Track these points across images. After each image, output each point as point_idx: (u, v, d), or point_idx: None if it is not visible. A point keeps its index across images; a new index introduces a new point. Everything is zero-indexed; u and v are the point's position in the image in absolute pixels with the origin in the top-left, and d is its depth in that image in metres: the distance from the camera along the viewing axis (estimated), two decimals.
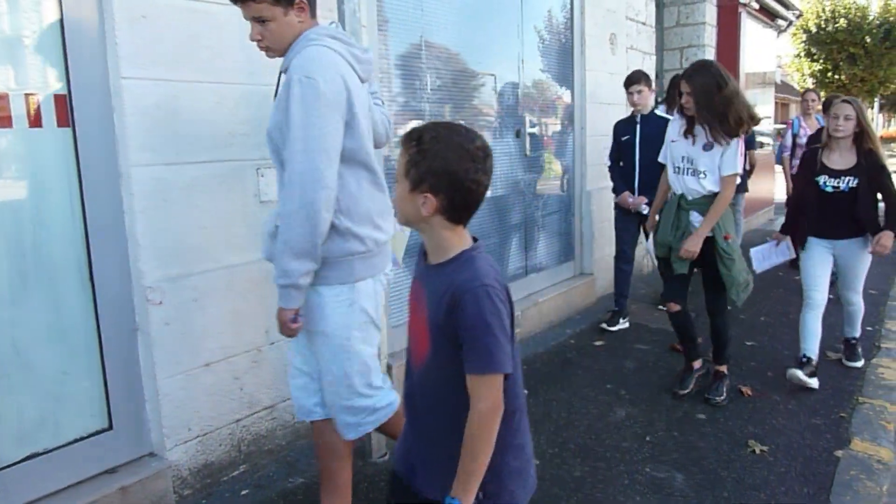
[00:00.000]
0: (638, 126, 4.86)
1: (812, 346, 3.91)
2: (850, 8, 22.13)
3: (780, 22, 11.90)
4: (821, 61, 23.20)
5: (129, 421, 2.69)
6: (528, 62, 5.06)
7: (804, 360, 3.88)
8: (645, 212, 4.78)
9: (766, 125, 11.12)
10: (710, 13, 8.55)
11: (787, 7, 11.57)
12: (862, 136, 3.79)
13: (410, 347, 1.66)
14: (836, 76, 22.96)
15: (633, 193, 4.92)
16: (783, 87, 24.02)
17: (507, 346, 1.48)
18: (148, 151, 2.58)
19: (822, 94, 11.12)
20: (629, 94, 4.81)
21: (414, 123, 4.05)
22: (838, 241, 3.92)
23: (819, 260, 3.98)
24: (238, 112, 2.89)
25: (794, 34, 22.85)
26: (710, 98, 3.40)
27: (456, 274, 1.50)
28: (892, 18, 21.82)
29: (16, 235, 2.37)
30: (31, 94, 2.36)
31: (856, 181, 3.78)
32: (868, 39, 21.73)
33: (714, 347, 3.87)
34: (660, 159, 3.95)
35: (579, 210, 5.77)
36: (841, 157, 3.85)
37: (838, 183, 3.82)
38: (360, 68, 2.20)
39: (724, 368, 3.86)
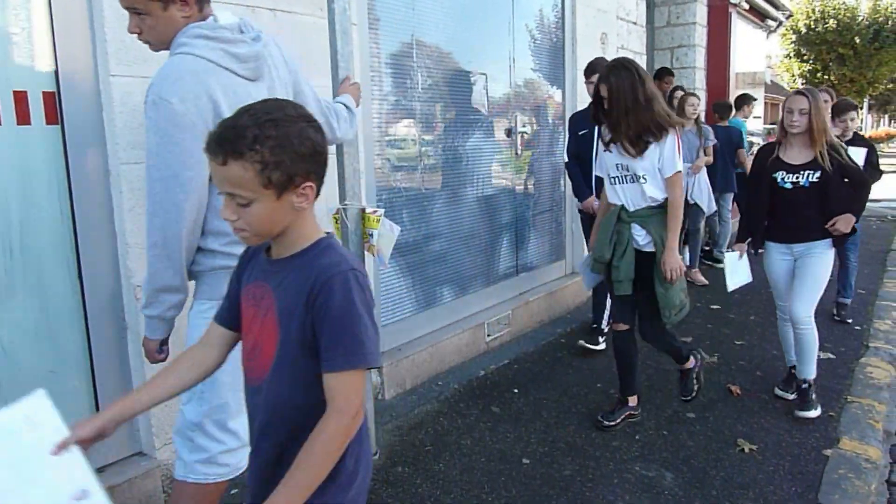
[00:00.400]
0: None
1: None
2: (839, 9, 22.26)
3: (770, 22, 11.96)
4: (810, 62, 23.33)
5: None
6: (520, 61, 5.06)
7: (793, 370, 3.77)
8: None
9: (757, 125, 11.17)
10: (701, 13, 8.58)
11: (777, 7, 11.63)
12: (813, 131, 3.43)
13: (249, 363, 1.45)
14: (826, 76, 23.09)
15: (591, 192, 4.54)
16: (773, 88, 24.09)
17: (376, 338, 1.34)
18: (137, 149, 2.56)
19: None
20: (588, 83, 4.44)
21: (406, 122, 4.05)
22: (796, 245, 3.59)
23: (779, 267, 3.70)
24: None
25: (784, 34, 22.97)
26: (632, 97, 3.11)
27: (317, 260, 1.35)
28: (880, 19, 21.96)
29: (3, 233, 2.35)
30: (20, 91, 2.34)
31: (817, 175, 3.44)
32: (857, 40, 21.86)
33: (672, 357, 3.64)
34: (596, 172, 3.64)
35: (570, 209, 5.78)
36: (800, 153, 3.51)
37: (797, 178, 3.49)
38: (244, 68, 1.92)
39: (688, 364, 3.68)
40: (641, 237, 3.25)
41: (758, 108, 10.67)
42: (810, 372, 3.59)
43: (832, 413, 3.58)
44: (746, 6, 10.12)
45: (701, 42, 8.65)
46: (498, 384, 4.05)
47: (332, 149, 3.04)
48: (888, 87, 31.15)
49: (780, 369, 4.18)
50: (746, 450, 3.21)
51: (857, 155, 4.48)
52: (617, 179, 3.30)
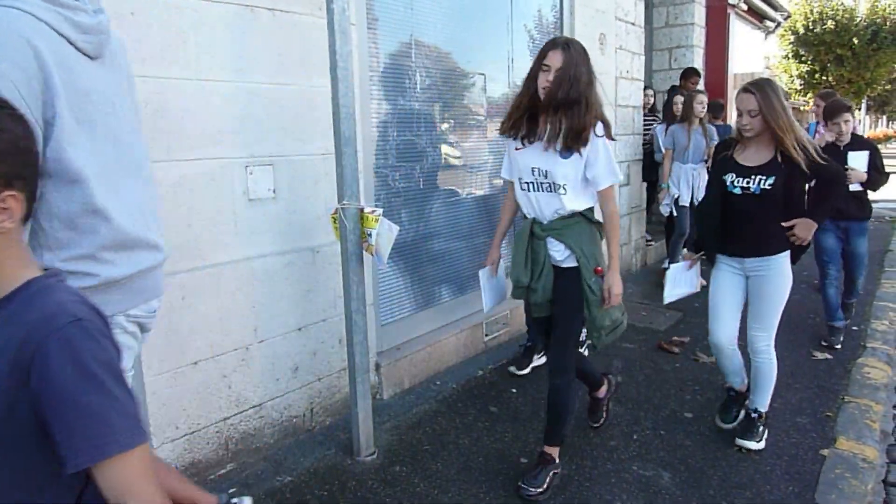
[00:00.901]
0: None
1: (737, 379, 3.44)
2: (837, 10, 22.25)
3: (769, 23, 11.99)
4: (808, 62, 23.32)
5: None
6: (518, 61, 5.06)
7: (732, 393, 3.47)
8: None
9: None
10: (699, 14, 8.60)
11: (776, 8, 11.66)
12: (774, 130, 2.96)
13: None
14: (824, 77, 23.09)
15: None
16: None
17: (130, 405, 1.02)
18: None
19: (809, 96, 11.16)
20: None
21: (404, 122, 4.05)
22: (748, 260, 3.16)
23: (724, 281, 3.28)
24: (226, 110, 2.88)
25: (782, 35, 22.95)
26: (573, 84, 2.60)
27: (26, 313, 1.00)
28: (879, 20, 21.96)
29: None
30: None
31: (770, 181, 3.00)
32: (855, 41, 21.85)
33: (547, 423, 2.98)
34: (503, 174, 3.06)
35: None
36: (756, 153, 3.07)
37: (748, 183, 3.05)
38: (85, 40, 1.57)
39: (600, 392, 3.30)
40: (559, 252, 2.80)
41: (722, 110, 10.68)
42: (763, 403, 3.26)
43: (829, 413, 3.59)
44: (745, 7, 10.14)
45: (699, 43, 8.67)
46: (496, 384, 4.05)
47: (330, 149, 3.05)
48: (886, 87, 31.18)
49: (778, 370, 4.19)
50: (744, 450, 3.21)
51: (858, 159, 4.39)
52: (531, 186, 2.80)
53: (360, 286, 3.03)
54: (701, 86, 8.62)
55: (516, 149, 2.85)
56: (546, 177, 2.73)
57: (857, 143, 4.54)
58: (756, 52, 11.54)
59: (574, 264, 2.78)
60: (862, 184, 4.43)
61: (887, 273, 6.89)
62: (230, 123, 2.89)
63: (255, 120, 3.00)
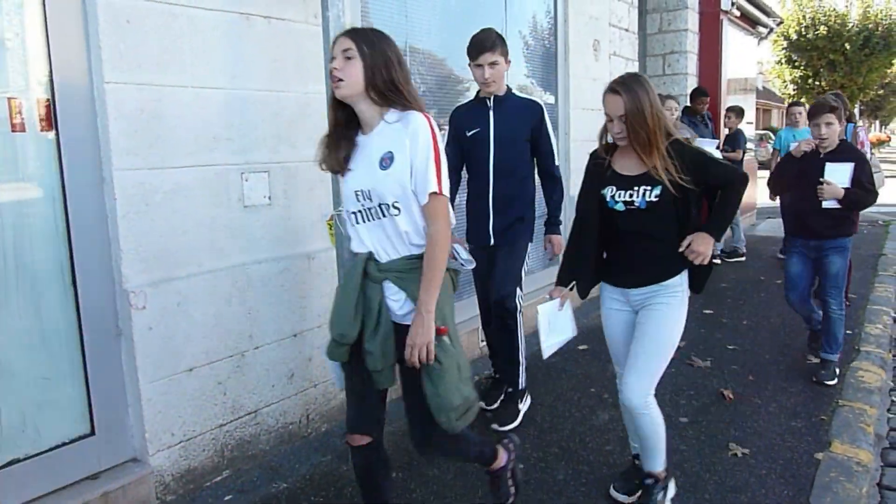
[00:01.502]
0: (491, 113, 3.41)
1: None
2: (829, 15, 22.40)
3: (761, 29, 12.04)
4: (801, 68, 23.47)
5: (112, 426, 2.68)
6: (513, 68, 5.05)
7: (638, 461, 2.87)
8: None
9: (748, 131, 11.23)
10: (692, 20, 8.64)
11: (768, 14, 11.72)
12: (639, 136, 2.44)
13: None
14: (817, 82, 23.23)
15: (487, 212, 3.45)
16: (764, 93, 24.29)
17: None
18: (131, 156, 2.57)
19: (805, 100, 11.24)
20: (477, 66, 3.32)
21: None
22: (633, 291, 2.63)
23: (613, 319, 2.75)
24: (221, 116, 2.89)
25: (775, 41, 23.10)
26: (387, 72, 2.11)
27: None
28: (871, 26, 22.12)
29: None
30: (14, 99, 2.35)
31: (657, 192, 2.47)
32: (847, 46, 22.00)
33: (476, 463, 2.63)
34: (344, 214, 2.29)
35: (565, 215, 5.78)
36: (636, 161, 2.52)
37: (632, 196, 2.52)
38: None
39: (497, 463, 2.62)
40: (398, 303, 2.15)
41: (749, 114, 10.75)
42: (656, 464, 2.71)
43: (823, 417, 3.60)
44: (737, 13, 10.19)
45: (692, 48, 8.72)
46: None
47: None
48: (879, 92, 31.39)
49: (772, 373, 4.22)
50: (739, 454, 3.22)
51: (838, 173, 3.82)
52: (359, 216, 2.16)
53: None
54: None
55: (342, 176, 2.23)
56: (370, 198, 2.11)
57: (844, 152, 3.92)
58: (749, 58, 11.60)
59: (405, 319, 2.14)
60: (840, 201, 3.82)
61: (880, 277, 6.92)
62: (225, 130, 2.90)
63: (250, 127, 3.00)
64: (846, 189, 3.80)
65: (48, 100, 2.43)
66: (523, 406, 3.66)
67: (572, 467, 3.13)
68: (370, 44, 2.09)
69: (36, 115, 2.41)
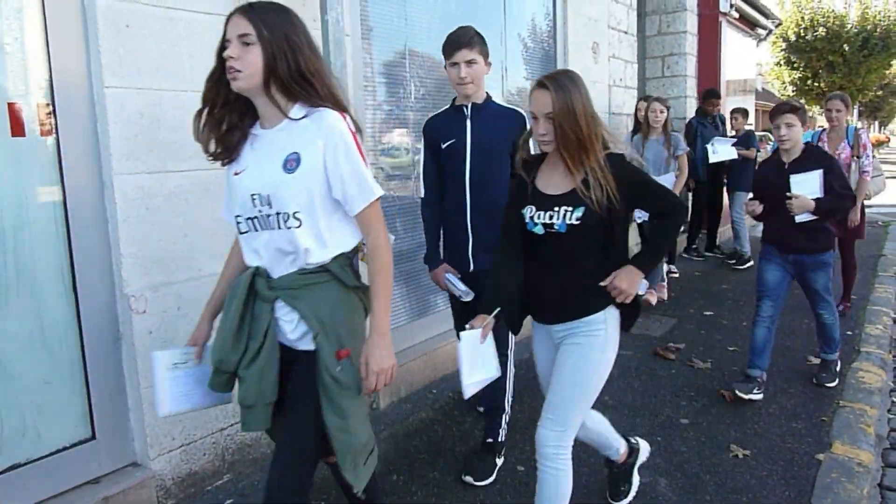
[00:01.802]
0: (468, 122, 3.03)
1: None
2: (828, 17, 22.44)
3: (760, 31, 12.07)
4: (800, 69, 23.51)
5: (113, 430, 2.68)
6: (512, 70, 5.09)
7: None
8: None
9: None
10: (691, 22, 8.66)
11: (767, 16, 11.74)
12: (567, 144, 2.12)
13: None
14: (816, 84, 23.27)
15: (466, 234, 3.05)
16: (764, 95, 24.32)
17: None
18: (131, 160, 2.58)
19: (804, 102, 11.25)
20: (452, 66, 2.98)
21: (399, 131, 4.08)
22: (555, 327, 2.33)
23: (543, 355, 2.50)
24: None
25: (774, 42, 23.14)
26: (293, 59, 1.79)
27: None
28: (869, 27, 22.16)
29: None
30: (14, 103, 2.35)
31: (579, 213, 2.13)
32: (846, 48, 22.04)
33: None
34: (222, 214, 2.08)
35: None
36: (562, 177, 2.19)
37: (552, 217, 2.18)
38: None
39: None
40: (291, 325, 1.88)
41: (749, 116, 10.76)
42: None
43: (824, 418, 3.60)
44: (736, 15, 10.21)
45: (691, 50, 8.73)
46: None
47: None
48: (877, 93, 31.42)
49: (773, 375, 4.21)
50: (740, 455, 3.22)
51: (806, 183, 3.56)
52: (253, 223, 1.88)
53: None
54: (693, 93, 8.68)
55: (234, 173, 1.92)
56: (269, 204, 1.82)
57: (811, 157, 3.64)
58: (748, 60, 11.62)
59: (311, 347, 1.85)
60: (814, 212, 3.55)
61: (880, 277, 6.92)
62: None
63: None
64: (817, 199, 3.50)
65: (48, 104, 2.43)
66: (500, 461, 3.18)
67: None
68: (271, 26, 1.75)
69: (36, 119, 2.41)
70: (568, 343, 2.30)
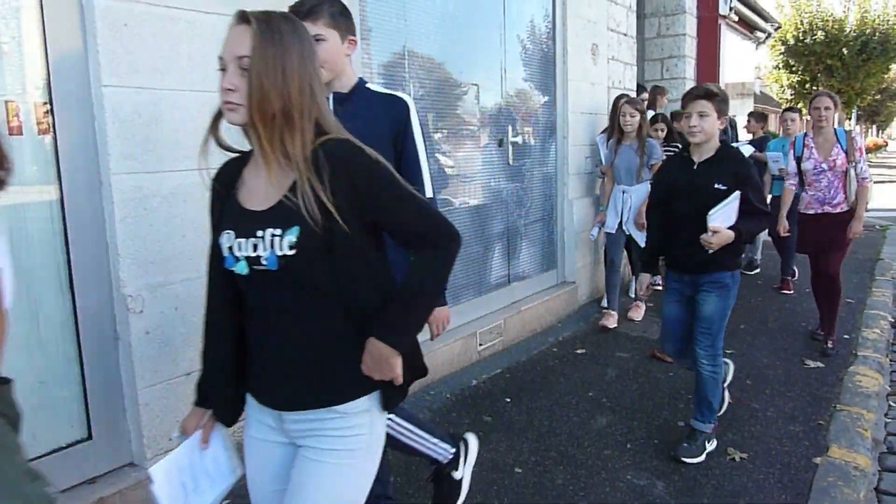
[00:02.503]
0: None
1: None
2: (827, 21, 22.48)
3: (759, 34, 12.09)
4: (799, 73, 23.54)
5: (109, 431, 2.67)
6: (511, 72, 5.09)
7: None
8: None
9: (743, 136, 11.27)
10: (690, 24, 8.67)
11: (766, 19, 11.77)
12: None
13: None
14: (814, 87, 23.28)
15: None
16: (762, 98, 24.36)
17: None
18: (128, 160, 2.57)
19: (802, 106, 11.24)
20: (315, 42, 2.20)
21: None
22: (289, 416, 1.54)
23: (261, 458, 1.72)
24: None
25: (773, 46, 23.16)
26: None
27: None
28: (868, 31, 22.20)
29: None
30: (11, 102, 2.34)
31: (293, 236, 1.39)
32: (845, 52, 22.08)
33: None
34: None
35: (561, 219, 5.80)
36: (268, 184, 1.43)
37: (256, 247, 1.42)
38: None
39: None
40: None
41: (744, 119, 10.77)
42: None
43: (821, 422, 3.60)
44: (735, 18, 10.23)
45: (690, 53, 8.74)
46: (490, 393, 4.05)
47: None
48: (876, 97, 31.47)
49: (770, 378, 4.22)
50: (737, 458, 3.22)
51: (723, 214, 2.88)
52: None
53: None
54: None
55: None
56: None
57: (726, 160, 3.03)
58: (747, 63, 11.64)
59: None
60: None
61: (877, 281, 6.92)
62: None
63: None
64: (735, 228, 2.91)
65: (46, 103, 2.42)
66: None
67: (570, 472, 3.12)
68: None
69: (33, 118, 2.40)
70: (309, 450, 1.52)
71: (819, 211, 4.65)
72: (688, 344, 3.29)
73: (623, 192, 5.28)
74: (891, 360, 4.77)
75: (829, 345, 4.67)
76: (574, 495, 2.94)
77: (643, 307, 5.68)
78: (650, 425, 3.59)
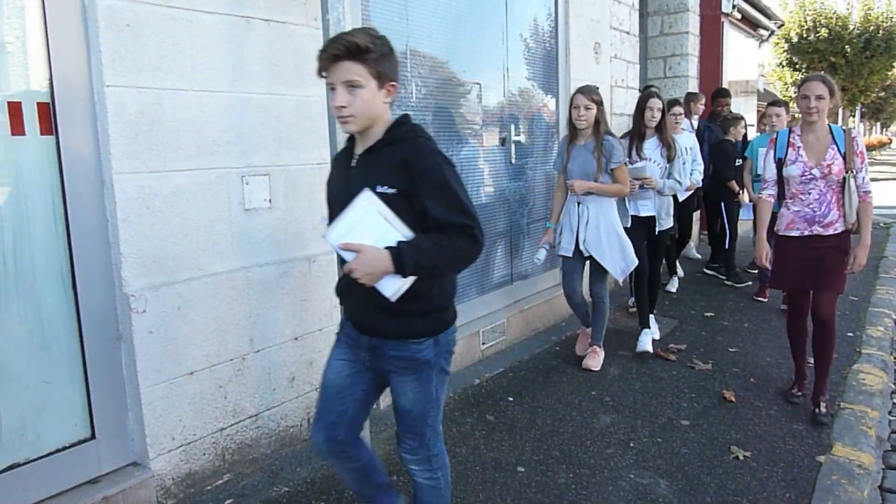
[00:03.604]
0: None
1: None
2: (830, 18, 22.43)
3: (762, 32, 12.06)
4: (803, 70, 23.49)
5: (112, 430, 2.68)
6: (514, 70, 5.09)
7: None
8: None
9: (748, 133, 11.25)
10: (693, 23, 8.65)
11: (769, 17, 11.73)
12: None
13: None
14: None
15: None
16: (766, 96, 24.30)
17: None
18: (131, 159, 2.57)
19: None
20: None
21: None
22: None
23: None
24: (222, 120, 2.89)
25: (776, 44, 23.13)
26: None
27: None
28: (871, 28, 22.15)
29: None
30: (14, 102, 2.35)
31: None
32: (848, 49, 22.04)
33: None
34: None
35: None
36: None
37: None
38: None
39: None
40: None
41: (750, 116, 10.75)
42: None
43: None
44: (738, 16, 10.20)
45: (694, 51, 8.72)
46: (493, 392, 4.05)
47: (326, 158, 3.07)
48: (880, 95, 31.40)
49: (774, 376, 4.21)
50: (740, 456, 3.22)
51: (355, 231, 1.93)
52: None
53: None
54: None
55: None
56: None
57: (395, 142, 2.02)
58: (750, 60, 11.61)
59: None
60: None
61: (882, 279, 6.91)
62: (226, 134, 2.90)
63: (250, 130, 3.00)
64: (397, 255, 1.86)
65: (48, 103, 2.43)
66: None
67: (573, 471, 3.12)
68: None
69: (36, 118, 2.41)
70: None
71: (806, 232, 3.58)
72: (350, 433, 2.23)
73: (579, 205, 4.29)
74: (895, 358, 4.75)
75: (823, 408, 3.60)
76: (577, 494, 2.94)
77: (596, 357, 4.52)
78: (653, 424, 3.59)
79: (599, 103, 4.22)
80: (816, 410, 3.60)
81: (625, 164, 4.28)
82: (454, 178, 1.97)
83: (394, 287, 1.90)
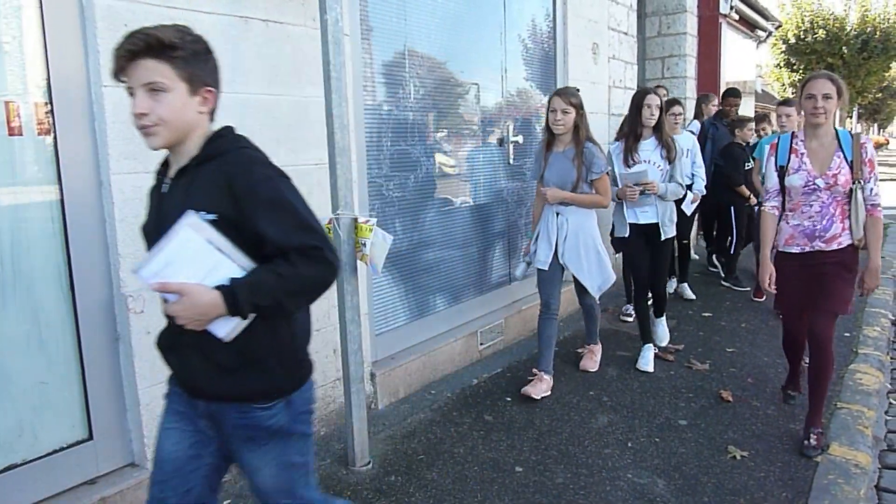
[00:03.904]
0: None
1: None
2: (828, 19, 22.48)
3: (760, 32, 12.08)
4: (800, 71, 23.54)
5: (110, 431, 2.67)
6: (511, 71, 5.09)
7: None
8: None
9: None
10: (691, 23, 8.66)
11: (767, 18, 11.76)
12: None
13: None
14: None
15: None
16: (764, 97, 24.33)
17: None
18: (129, 160, 2.57)
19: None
20: None
21: (398, 131, 4.07)
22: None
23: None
24: (219, 120, 2.88)
25: (774, 44, 23.18)
26: None
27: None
28: (869, 29, 22.20)
29: None
30: (11, 102, 2.35)
31: None
32: (845, 50, 22.10)
33: None
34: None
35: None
36: None
37: None
38: None
39: None
40: None
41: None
42: None
43: (822, 420, 3.60)
44: (736, 17, 10.22)
45: (691, 52, 8.74)
46: (491, 392, 4.05)
47: (324, 159, 3.07)
48: (877, 96, 31.45)
49: (770, 376, 4.21)
50: (738, 456, 3.22)
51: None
52: None
53: (355, 296, 3.03)
54: (693, 94, 8.66)
55: None
56: None
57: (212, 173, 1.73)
58: (748, 61, 11.63)
59: None
60: None
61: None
62: None
63: (248, 130, 2.97)
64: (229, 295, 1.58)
65: (46, 103, 2.43)
66: None
67: (571, 471, 3.12)
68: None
69: (34, 118, 2.41)
70: None
71: (807, 248, 3.30)
72: None
73: (558, 216, 4.03)
74: (891, 358, 4.77)
75: (813, 440, 3.25)
76: (574, 494, 2.94)
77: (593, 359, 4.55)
78: (651, 424, 3.59)
79: (579, 107, 3.92)
80: (805, 442, 3.26)
81: (607, 174, 4.00)
82: (290, 191, 1.68)
83: (228, 327, 1.60)
